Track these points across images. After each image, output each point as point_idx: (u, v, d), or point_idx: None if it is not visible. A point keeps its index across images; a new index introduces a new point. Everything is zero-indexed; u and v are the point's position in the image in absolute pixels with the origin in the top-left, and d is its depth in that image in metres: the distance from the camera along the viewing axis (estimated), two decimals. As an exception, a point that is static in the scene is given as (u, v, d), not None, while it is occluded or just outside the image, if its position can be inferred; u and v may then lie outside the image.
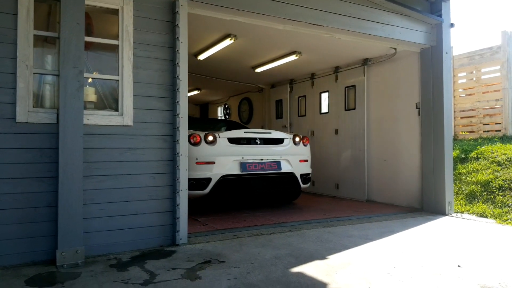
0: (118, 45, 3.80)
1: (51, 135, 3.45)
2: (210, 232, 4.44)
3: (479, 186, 6.08)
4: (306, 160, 6.07)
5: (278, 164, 5.69)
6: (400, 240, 4.19)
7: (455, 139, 9.26)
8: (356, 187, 7.11)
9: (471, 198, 5.97)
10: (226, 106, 11.92)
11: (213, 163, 5.26)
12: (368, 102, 7.00)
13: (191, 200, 5.18)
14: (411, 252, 3.72)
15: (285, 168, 5.76)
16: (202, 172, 5.20)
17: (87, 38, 3.63)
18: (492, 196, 5.76)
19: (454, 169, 6.54)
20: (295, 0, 4.67)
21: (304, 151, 6.09)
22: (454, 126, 9.61)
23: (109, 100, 3.91)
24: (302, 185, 5.98)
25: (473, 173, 6.47)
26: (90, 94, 3.80)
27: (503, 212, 5.31)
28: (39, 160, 3.42)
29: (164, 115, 3.97)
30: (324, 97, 8.03)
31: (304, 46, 6.30)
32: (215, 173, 5.26)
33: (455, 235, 4.42)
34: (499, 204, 5.53)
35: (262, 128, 9.55)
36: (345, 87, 7.43)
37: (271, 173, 5.63)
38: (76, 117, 3.41)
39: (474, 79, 9.55)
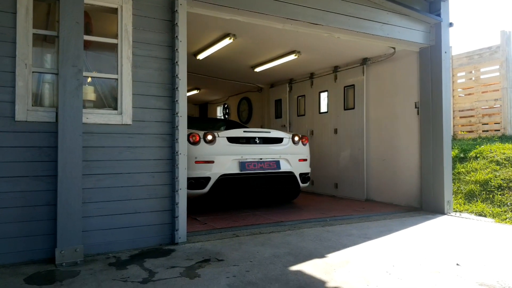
0: (117, 44, 3.81)
1: (50, 133, 3.45)
2: (209, 231, 4.44)
3: (478, 185, 6.09)
4: (305, 160, 6.08)
5: (277, 163, 5.70)
6: (399, 239, 4.19)
7: (454, 138, 9.27)
8: (355, 187, 7.12)
9: (470, 197, 5.98)
10: (226, 105, 11.93)
11: (212, 162, 5.27)
12: (367, 102, 7.01)
13: (190, 199, 5.18)
14: (410, 250, 3.73)
15: (284, 167, 5.77)
16: (201, 171, 5.21)
17: (86, 37, 3.63)
18: (491, 195, 5.77)
19: (453, 168, 6.55)
20: (294, -1, 4.68)
21: (303, 150, 6.10)
22: (453, 125, 9.63)
23: (108, 99, 3.92)
24: (301, 185, 5.99)
25: (472, 173, 6.48)
26: (89, 93, 3.81)
27: (501, 211, 5.32)
28: (38, 159, 3.42)
29: (163, 114, 3.98)
30: (323, 96, 8.03)
31: (303, 46, 6.30)
32: (214, 172, 5.27)
33: (454, 234, 4.43)
34: (498, 203, 5.54)
35: (261, 127, 9.56)
36: (344, 87, 7.44)
37: (270, 173, 5.64)
38: (75, 116, 3.41)
39: (473, 78, 9.56)
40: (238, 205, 6.27)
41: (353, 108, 7.23)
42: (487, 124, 9.23)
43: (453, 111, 9.63)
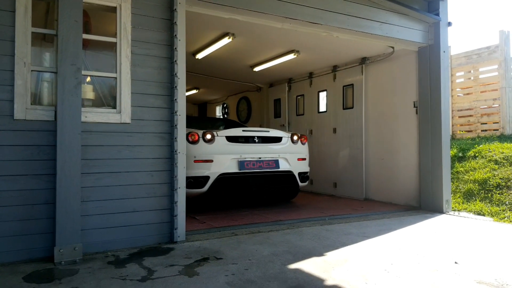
0: (116, 42, 3.81)
1: (49, 132, 3.45)
2: (208, 230, 4.44)
3: (477, 184, 6.10)
4: (304, 159, 6.08)
5: (276, 162, 5.71)
6: (398, 237, 4.20)
7: (453, 138, 9.28)
8: (354, 186, 7.13)
9: (468, 196, 5.99)
10: (225, 105, 11.93)
11: (211, 161, 5.28)
12: (366, 101, 7.02)
13: (189, 198, 5.17)
14: (408, 249, 3.73)
15: (283, 166, 5.77)
16: (200, 170, 5.21)
17: (85, 36, 3.63)
18: (489, 195, 5.78)
19: (452, 167, 6.56)
20: (293, -2, 4.69)
21: (302, 149, 6.10)
22: (452, 125, 9.64)
23: (107, 98, 3.92)
24: (300, 184, 5.99)
25: (470, 172, 6.49)
26: (88, 92, 3.81)
27: (500, 210, 5.33)
28: (37, 157, 3.42)
29: (162, 113, 3.98)
30: (322, 96, 8.04)
31: (302, 45, 6.31)
32: (213, 171, 5.27)
33: (452, 233, 4.44)
34: (496, 202, 5.55)
35: (260, 127, 9.55)
36: (343, 86, 7.45)
37: (269, 172, 5.64)
38: (74, 115, 3.41)
39: (472, 78, 9.58)
40: (237, 204, 6.28)
41: (352, 108, 7.24)
42: (486, 123, 9.24)
43: (452, 111, 9.64)
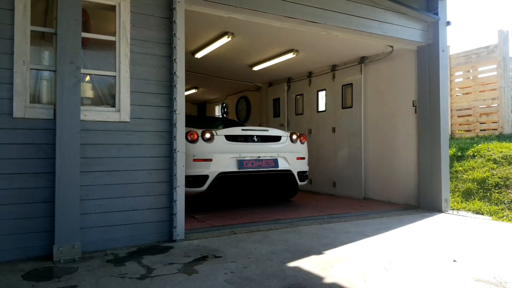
0: (115, 41, 3.81)
1: (48, 130, 3.45)
2: (207, 229, 4.45)
3: (475, 183, 6.11)
4: (303, 158, 6.08)
5: (275, 161, 5.71)
6: (396, 236, 4.21)
7: (451, 137, 9.29)
8: (353, 185, 7.13)
9: (467, 195, 6.00)
10: (224, 105, 11.93)
11: (210, 160, 5.27)
12: (365, 100, 7.02)
13: (189, 197, 5.16)
14: (407, 247, 3.74)
15: (282, 165, 5.77)
16: (199, 169, 5.21)
17: (84, 34, 3.64)
18: (488, 194, 5.79)
19: (451, 167, 6.56)
20: (292, -3, 4.69)
21: (302, 148, 6.10)
22: (451, 125, 9.65)
23: (106, 96, 3.92)
24: (299, 183, 5.99)
25: (469, 171, 6.50)
26: (87, 90, 3.81)
27: (499, 209, 5.34)
28: (36, 156, 3.42)
29: (161, 112, 3.98)
30: (322, 95, 8.05)
31: (302, 44, 6.31)
32: (212, 170, 5.27)
33: (451, 232, 4.45)
34: (495, 201, 5.56)
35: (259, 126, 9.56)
36: (342, 85, 7.45)
37: (268, 171, 5.64)
38: (73, 113, 3.41)
39: (471, 78, 9.59)
40: (236, 204, 6.28)
41: (351, 107, 7.24)
42: (485, 123, 9.26)
43: (451, 110, 9.66)
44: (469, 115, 9.54)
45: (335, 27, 5.07)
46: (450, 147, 6.83)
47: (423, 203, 5.89)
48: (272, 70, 8.02)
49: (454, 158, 7.04)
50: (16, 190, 3.34)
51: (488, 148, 6.93)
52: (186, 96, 6.65)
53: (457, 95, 9.91)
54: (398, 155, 6.40)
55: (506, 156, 6.44)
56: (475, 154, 6.92)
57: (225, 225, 4.62)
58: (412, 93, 6.15)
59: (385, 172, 6.63)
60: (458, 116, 9.78)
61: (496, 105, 8.94)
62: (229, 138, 5.50)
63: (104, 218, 3.67)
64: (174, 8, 3.97)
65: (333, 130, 7.63)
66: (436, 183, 5.69)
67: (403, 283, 2.79)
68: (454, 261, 3.31)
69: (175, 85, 3.96)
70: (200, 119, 8.87)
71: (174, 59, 3.97)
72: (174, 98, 3.96)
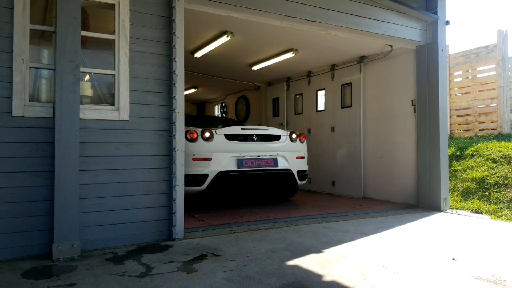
0: (115, 40, 3.81)
1: (47, 129, 3.44)
2: (207, 228, 4.45)
3: (474, 182, 6.12)
4: (303, 157, 6.07)
5: (275, 160, 5.70)
6: (396, 235, 4.21)
7: (451, 137, 9.30)
8: (352, 184, 7.14)
9: (466, 194, 6.01)
10: (223, 104, 11.93)
11: (210, 159, 5.27)
12: (364, 100, 7.03)
13: (188, 196, 5.15)
14: (406, 246, 3.74)
15: (282, 164, 5.76)
16: (199, 168, 5.21)
17: (84, 33, 3.63)
18: (487, 193, 5.79)
19: (450, 166, 6.57)
20: (291, -4, 4.69)
21: (301, 148, 6.10)
22: (450, 124, 9.66)
23: (105, 95, 3.92)
24: (299, 182, 5.98)
25: (468, 170, 6.50)
26: (87, 89, 3.81)
27: (497, 208, 5.34)
28: (35, 154, 3.42)
29: (160, 110, 3.98)
30: (321, 95, 8.05)
31: (301, 44, 6.32)
32: (212, 169, 5.26)
33: (450, 230, 4.45)
34: (494, 201, 5.56)
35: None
36: (342, 85, 7.46)
37: (268, 170, 5.63)
38: (72, 111, 3.41)
39: (470, 77, 9.60)
40: (235, 203, 6.28)
41: (350, 106, 7.25)
42: (484, 123, 9.26)
43: (450, 110, 9.66)
44: (468, 115, 9.54)
45: (334, 26, 5.07)
46: (449, 146, 6.84)
47: (422, 202, 5.89)
48: (271, 70, 8.03)
49: (453, 158, 7.05)
50: (15, 189, 3.34)
51: (487, 148, 6.94)
52: (185, 95, 6.65)
53: (456, 95, 9.91)
54: (397, 155, 6.40)
55: (505, 155, 6.44)
56: (474, 153, 6.93)
57: (224, 224, 4.62)
58: (411, 93, 6.16)
59: (384, 171, 6.63)
60: (457, 116, 9.79)
61: (495, 104, 8.95)
62: (229, 137, 5.49)
63: (103, 217, 3.67)
64: (174, 6, 3.97)
65: (332, 129, 7.63)
66: (435, 182, 5.70)
67: (403, 281, 2.79)
68: (453, 259, 3.31)
69: (174, 84, 3.96)
70: (200, 118, 8.86)
71: (174, 58, 3.96)
72: (174, 97, 3.96)
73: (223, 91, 11.13)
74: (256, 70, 7.92)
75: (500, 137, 8.19)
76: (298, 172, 5.94)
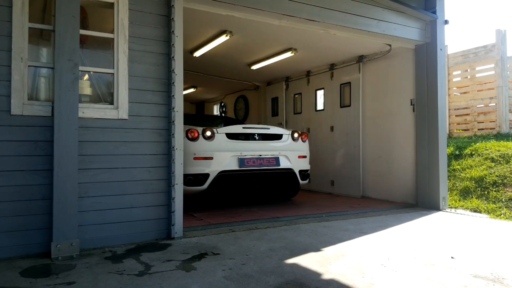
0: (114, 38, 3.80)
1: (46, 128, 3.44)
2: (206, 226, 4.45)
3: (473, 182, 6.13)
4: (304, 156, 6.01)
5: (276, 160, 5.65)
6: (394, 233, 4.21)
7: (449, 137, 9.31)
8: (351, 184, 7.14)
9: (465, 193, 6.02)
10: (222, 104, 11.93)
11: (211, 158, 5.21)
12: (363, 99, 7.04)
13: (189, 196, 5.13)
14: (405, 244, 3.75)
15: (284, 164, 5.70)
16: (200, 168, 5.16)
17: (82, 31, 3.63)
18: (485, 192, 5.80)
19: (449, 165, 6.58)
20: (290, -5, 4.70)
21: (303, 147, 6.04)
22: (449, 124, 9.67)
23: (104, 94, 3.92)
24: (300, 181, 5.93)
25: (467, 170, 6.51)
26: (85, 87, 3.80)
27: (496, 207, 5.35)
28: (34, 153, 3.41)
29: (159, 109, 3.98)
30: (320, 94, 8.06)
31: (300, 43, 6.32)
32: (213, 169, 5.20)
33: (449, 229, 4.46)
34: (493, 200, 5.57)
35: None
36: (341, 84, 7.46)
37: (269, 169, 5.57)
38: (71, 110, 3.41)
39: (469, 77, 9.61)
40: (235, 202, 6.28)
41: (349, 106, 7.25)
42: (483, 122, 9.28)
43: (449, 110, 9.67)
44: (467, 115, 9.55)
45: (333, 25, 5.07)
46: (448, 146, 6.85)
47: (421, 202, 5.90)
48: (270, 69, 8.03)
49: (452, 157, 7.06)
50: (14, 187, 3.34)
51: (486, 147, 6.95)
52: (184, 95, 6.65)
53: (455, 95, 9.92)
54: (396, 154, 6.41)
55: (504, 154, 6.45)
56: (473, 152, 6.94)
57: (223, 223, 4.62)
58: (410, 92, 6.17)
59: (383, 170, 6.64)
60: (456, 116, 9.80)
61: (494, 104, 8.96)
62: (230, 136, 5.44)
63: (102, 216, 3.67)
64: (173, 5, 3.97)
65: (331, 129, 7.64)
66: (434, 181, 5.71)
67: (401, 279, 2.80)
68: (452, 258, 3.32)
69: (173, 83, 3.96)
70: (200, 117, 8.83)
71: (172, 57, 3.97)
72: (172, 95, 3.96)
73: (222, 90, 11.13)
74: (255, 69, 7.92)
75: (499, 136, 8.20)
76: (300, 171, 5.90)
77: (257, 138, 5.63)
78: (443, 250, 3.54)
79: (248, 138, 5.58)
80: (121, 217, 3.75)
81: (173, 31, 3.97)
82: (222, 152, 5.31)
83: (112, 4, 3.82)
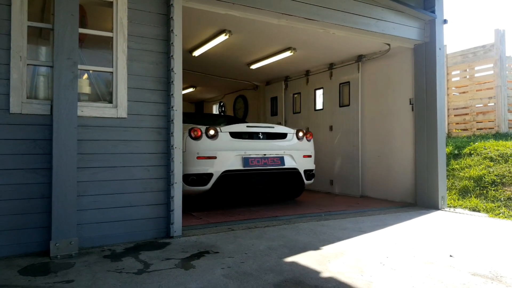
0: (113, 37, 3.80)
1: (45, 126, 3.44)
2: (205, 225, 4.44)
3: (472, 181, 6.14)
4: (309, 156, 5.92)
5: (281, 159, 5.55)
6: (393, 232, 4.22)
7: (448, 136, 9.32)
8: (350, 183, 7.15)
9: (464, 193, 6.02)
10: (221, 103, 11.93)
11: (214, 158, 5.10)
12: (362, 99, 7.04)
13: (192, 196, 5.07)
14: (404, 243, 3.75)
15: (289, 163, 5.60)
16: (203, 167, 5.05)
17: (81, 30, 3.63)
18: (484, 191, 5.81)
19: (447, 164, 6.59)
20: (289, -6, 4.70)
21: (308, 146, 5.95)
22: (448, 123, 9.68)
23: (103, 92, 3.91)
24: (305, 181, 5.84)
25: (466, 169, 6.52)
26: (84, 86, 3.80)
27: (495, 206, 5.36)
28: (33, 152, 3.41)
29: (158, 108, 3.98)
30: (319, 94, 8.07)
31: (299, 43, 6.32)
32: (216, 168, 5.10)
33: (448, 228, 4.46)
34: (492, 199, 5.58)
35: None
36: (340, 84, 7.47)
37: (274, 169, 5.47)
38: (70, 109, 3.40)
39: (468, 77, 9.62)
40: (234, 202, 6.27)
41: (348, 105, 7.26)
42: (482, 122, 9.29)
43: (448, 109, 9.68)
44: (466, 114, 9.56)
45: (332, 24, 5.08)
46: (446, 145, 6.86)
47: (420, 201, 5.91)
48: (269, 69, 8.03)
49: (451, 156, 7.07)
50: (13, 186, 3.33)
51: (485, 146, 6.96)
52: (183, 95, 6.65)
53: (454, 94, 9.93)
54: (395, 153, 6.42)
55: (503, 154, 6.47)
56: (472, 152, 6.95)
57: (222, 222, 4.62)
58: (409, 91, 6.17)
59: (382, 170, 6.64)
60: (455, 115, 9.81)
61: (493, 104, 8.97)
62: (234, 135, 5.32)
63: (101, 214, 3.66)
64: (172, 4, 3.97)
65: (331, 128, 7.64)
66: (433, 180, 5.71)
67: (400, 278, 2.80)
68: (451, 256, 3.32)
69: (172, 82, 3.96)
70: (202, 116, 8.75)
71: (172, 56, 3.97)
72: (172, 94, 3.96)
73: (221, 90, 11.13)
74: (254, 69, 7.92)
75: (498, 136, 8.21)
76: (305, 171, 5.81)
77: (261, 137, 5.52)
78: (442, 249, 3.54)
79: (252, 137, 5.46)
80: (120, 215, 3.75)
81: (172, 30, 3.97)
82: (226, 151, 5.20)
83: (111, 2, 3.81)
